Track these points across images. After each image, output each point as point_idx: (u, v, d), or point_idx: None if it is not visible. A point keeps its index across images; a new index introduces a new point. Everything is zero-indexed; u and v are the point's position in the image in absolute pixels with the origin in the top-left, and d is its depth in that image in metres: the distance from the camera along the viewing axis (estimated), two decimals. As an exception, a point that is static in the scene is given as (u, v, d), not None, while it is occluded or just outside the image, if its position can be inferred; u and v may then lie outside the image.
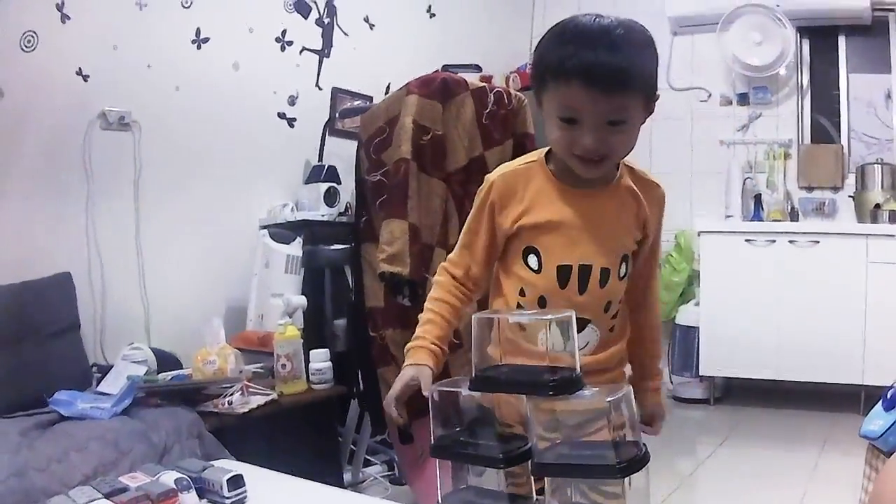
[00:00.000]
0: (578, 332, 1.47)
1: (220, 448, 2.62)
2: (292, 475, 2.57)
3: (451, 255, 1.71)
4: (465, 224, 1.71)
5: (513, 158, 1.82)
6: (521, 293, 1.62)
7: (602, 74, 1.39)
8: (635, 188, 1.62)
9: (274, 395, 2.96)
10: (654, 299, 1.76)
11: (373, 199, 3.07)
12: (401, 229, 2.80)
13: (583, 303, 1.58)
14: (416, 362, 1.55)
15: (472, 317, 1.28)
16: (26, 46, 3.12)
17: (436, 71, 3.31)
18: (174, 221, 3.71)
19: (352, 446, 3.72)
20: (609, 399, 0.85)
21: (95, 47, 3.37)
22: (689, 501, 3.67)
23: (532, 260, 1.61)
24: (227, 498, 1.24)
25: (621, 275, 1.62)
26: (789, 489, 3.49)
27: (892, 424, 2.39)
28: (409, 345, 1.60)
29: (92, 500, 1.16)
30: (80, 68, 3.32)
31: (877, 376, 4.40)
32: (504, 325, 1.41)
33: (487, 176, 1.68)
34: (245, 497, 1.28)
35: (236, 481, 1.26)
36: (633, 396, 1.21)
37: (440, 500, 1.07)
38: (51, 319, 3.01)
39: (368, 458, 3.85)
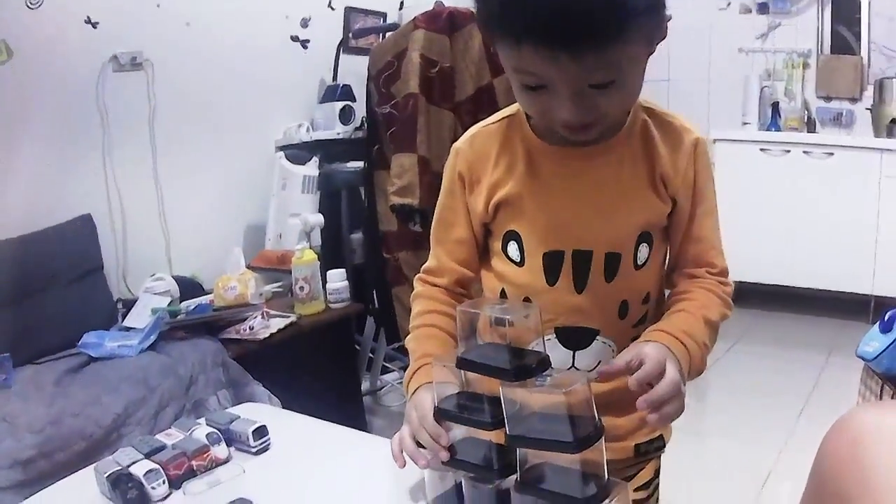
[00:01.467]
0: (582, 348, 1.19)
1: (244, 373, 2.77)
2: (313, 390, 2.72)
3: (425, 264, 1.32)
4: (435, 211, 1.31)
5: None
6: (502, 294, 1.23)
7: (563, 30, 0.93)
8: (654, 137, 1.18)
9: (293, 318, 3.07)
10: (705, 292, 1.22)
11: (384, 130, 3.14)
12: (410, 162, 2.89)
13: (583, 305, 1.18)
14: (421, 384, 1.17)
15: (457, 309, 1.04)
16: (31, 4, 3.14)
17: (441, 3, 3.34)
18: (191, 152, 3.78)
19: (370, 354, 3.87)
20: (565, 391, 0.93)
21: (102, -7, 3.41)
22: (698, 406, 3.78)
23: (513, 249, 1.21)
24: (253, 447, 1.35)
25: (640, 261, 1.18)
26: (793, 395, 3.63)
27: (887, 347, 2.49)
28: (406, 375, 1.22)
29: (135, 462, 1.24)
30: (88, 16, 3.34)
31: (886, 287, 4.54)
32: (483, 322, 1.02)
33: (454, 144, 1.28)
34: (269, 444, 1.37)
35: (261, 431, 1.36)
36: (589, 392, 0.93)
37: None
38: (75, 263, 3.11)
39: (386, 365, 4.00)
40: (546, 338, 1.10)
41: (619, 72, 1.00)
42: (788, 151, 4.83)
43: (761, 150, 4.91)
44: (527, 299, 1.18)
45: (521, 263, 1.20)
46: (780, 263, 4.93)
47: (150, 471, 1.23)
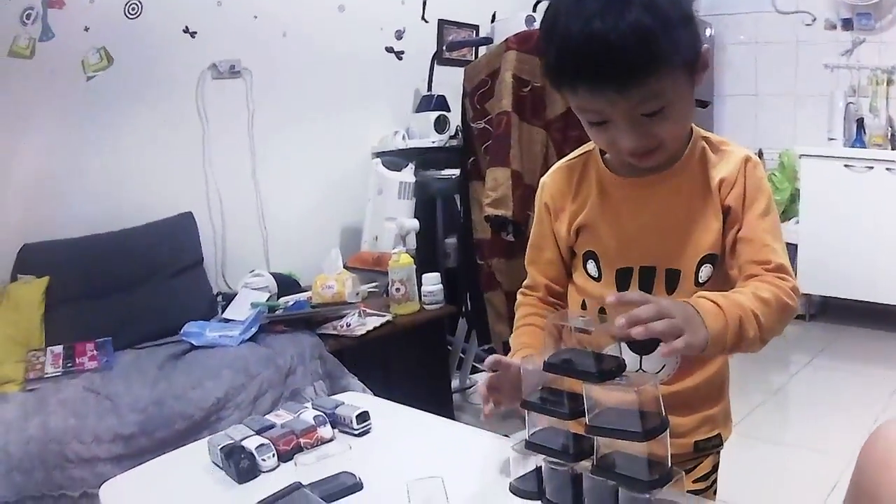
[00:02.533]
0: (647, 353, 1.31)
1: (340, 367, 2.93)
2: (404, 386, 2.83)
3: (525, 282, 1.51)
4: (530, 237, 1.50)
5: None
6: (583, 306, 1.39)
7: (606, 72, 1.13)
8: (710, 160, 1.32)
9: (389, 317, 3.23)
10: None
11: (479, 144, 3.30)
12: (504, 176, 3.04)
13: None
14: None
15: (546, 321, 1.22)
16: (130, 14, 3.34)
17: (533, 27, 3.47)
18: (289, 156, 3.96)
19: (461, 354, 4.02)
20: (636, 389, 1.09)
21: (199, 5, 3.59)
22: (775, 414, 3.89)
23: (591, 266, 1.37)
24: (356, 429, 1.46)
25: (702, 280, 1.30)
26: (867, 409, 3.65)
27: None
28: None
29: (246, 437, 1.36)
30: (186, 26, 3.55)
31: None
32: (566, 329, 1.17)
33: (542, 178, 1.47)
34: (370, 427, 1.49)
35: (363, 416, 1.47)
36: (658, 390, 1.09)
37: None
38: (176, 256, 3.30)
39: (476, 365, 4.10)
40: (620, 347, 1.25)
41: (664, 100, 1.17)
42: (871, 168, 4.83)
43: (845, 165, 4.92)
44: (602, 310, 1.29)
45: (598, 279, 1.37)
46: (863, 279, 4.91)
47: (261, 445, 1.36)
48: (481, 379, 1.27)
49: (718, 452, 1.46)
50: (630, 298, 1.10)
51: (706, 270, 1.31)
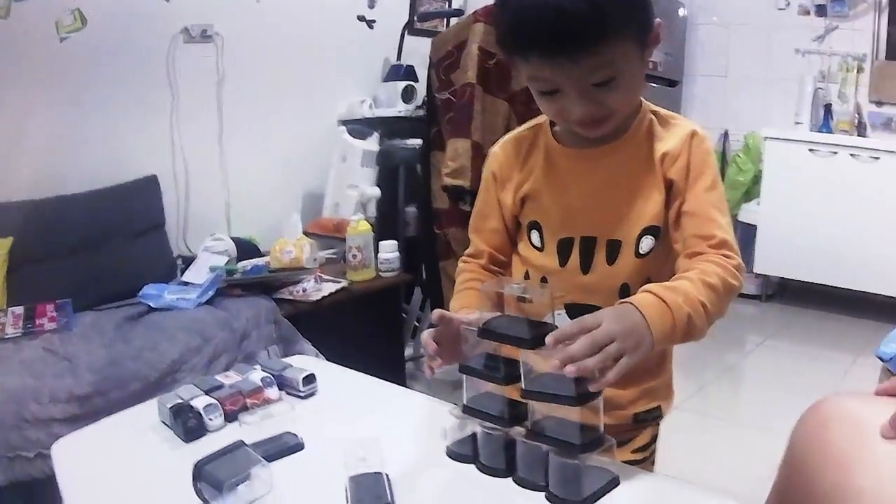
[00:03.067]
0: None
1: (294, 332, 2.94)
2: (358, 353, 2.84)
3: (467, 250, 1.51)
4: (474, 205, 1.51)
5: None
6: (527, 276, 1.41)
7: (559, 38, 1.13)
8: (656, 133, 1.33)
9: (344, 283, 3.24)
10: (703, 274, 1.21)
11: (442, 115, 3.30)
12: (464, 147, 3.06)
13: (589, 284, 1.33)
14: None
15: (481, 287, 1.23)
16: None
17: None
18: (255, 121, 3.94)
19: (415, 322, 4.04)
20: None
21: (175, -32, 3.54)
22: (727, 391, 3.96)
23: (535, 237, 1.39)
24: (302, 392, 1.47)
25: (642, 251, 1.31)
26: (818, 389, 3.67)
27: (905, 349, 2.59)
28: None
29: (195, 396, 1.37)
30: None
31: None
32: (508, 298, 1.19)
33: (491, 148, 1.49)
34: (316, 390, 1.50)
35: (309, 379, 1.49)
36: None
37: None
38: (138, 219, 3.29)
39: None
40: (557, 313, 1.29)
41: (615, 70, 1.17)
42: (836, 153, 4.88)
43: (810, 150, 4.97)
44: (544, 279, 1.36)
45: (541, 248, 1.38)
46: (821, 262, 4.97)
47: (209, 405, 1.37)
48: (425, 334, 1.26)
49: (658, 424, 1.48)
50: (566, 333, 1.07)
51: (647, 242, 1.31)
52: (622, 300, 1.16)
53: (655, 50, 1.28)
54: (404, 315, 3.88)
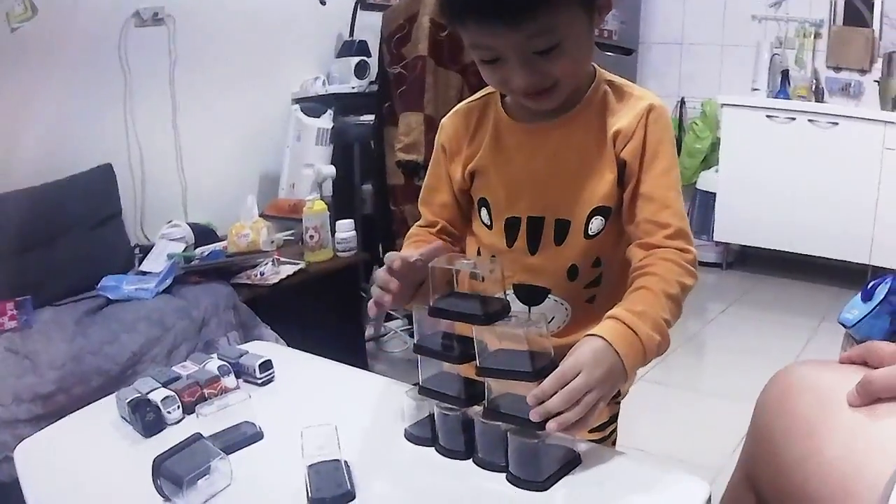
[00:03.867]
0: (536, 304, 1.31)
1: (253, 316, 2.91)
2: (318, 335, 2.82)
3: (417, 222, 1.44)
4: (424, 178, 1.45)
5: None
6: (479, 253, 1.37)
7: (497, 4, 1.06)
8: (609, 106, 1.26)
9: (302, 265, 3.20)
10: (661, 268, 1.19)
11: (394, 89, 3.26)
12: (417, 121, 3.03)
13: (536, 265, 1.30)
14: None
15: (430, 265, 1.16)
16: None
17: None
18: (209, 104, 3.87)
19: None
20: (523, 329, 1.08)
21: (125, -50, 3.46)
22: (690, 361, 3.94)
23: (484, 214, 1.34)
24: (259, 379, 1.46)
25: (591, 231, 1.26)
26: (782, 356, 3.70)
27: (866, 315, 2.61)
28: None
29: (153, 389, 1.34)
30: None
31: (883, 257, 4.62)
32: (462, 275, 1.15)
33: (442, 120, 1.42)
34: (273, 376, 1.48)
35: (266, 365, 1.47)
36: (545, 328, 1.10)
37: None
38: (94, 210, 3.21)
39: (390, 312, 4.06)
40: (506, 293, 1.22)
41: (558, 37, 1.10)
42: (794, 119, 4.89)
43: (767, 116, 4.97)
44: (493, 258, 1.26)
45: (490, 227, 1.33)
46: (781, 229, 5.00)
47: (166, 397, 1.34)
48: (380, 271, 1.21)
49: (618, 403, 1.45)
50: (545, 391, 1.04)
51: (597, 223, 1.26)
52: (592, 333, 1.10)
53: (611, 18, 1.23)
54: (363, 294, 3.80)
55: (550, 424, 1.02)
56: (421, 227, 1.42)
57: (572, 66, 1.17)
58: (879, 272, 3.95)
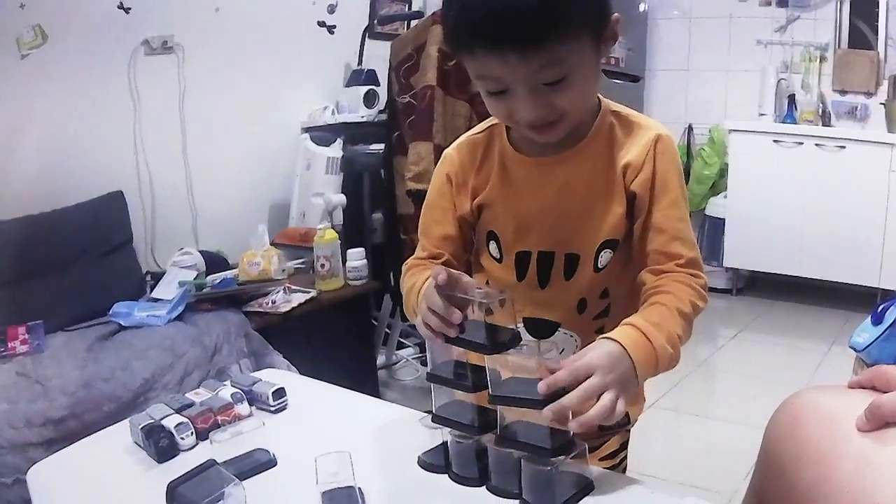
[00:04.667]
0: (545, 337, 1.30)
1: (265, 344, 2.90)
2: (330, 363, 2.83)
3: (414, 254, 1.40)
4: (423, 209, 1.41)
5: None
6: (487, 285, 1.32)
7: (506, 31, 1.05)
8: (617, 138, 1.26)
9: (313, 293, 3.19)
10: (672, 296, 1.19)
11: (403, 118, 3.28)
12: (426, 150, 3.03)
13: (546, 299, 1.30)
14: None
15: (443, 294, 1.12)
16: None
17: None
18: (219, 133, 3.89)
19: (386, 330, 3.99)
20: (535, 358, 1.09)
21: (134, -20, 3.50)
22: (700, 387, 3.92)
23: (493, 248, 1.33)
24: (272, 406, 1.47)
25: (600, 265, 1.26)
26: (793, 381, 3.69)
27: (876, 339, 2.60)
28: (411, 298, 1.29)
29: (167, 415, 1.35)
30: (120, 2, 3.44)
31: (893, 281, 4.61)
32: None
33: (445, 150, 1.40)
34: (286, 404, 1.49)
35: (279, 393, 1.48)
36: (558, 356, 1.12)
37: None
38: (106, 236, 3.22)
39: (401, 340, 4.14)
40: (516, 325, 1.21)
41: (567, 68, 1.09)
42: (801, 143, 4.90)
43: (774, 141, 4.99)
44: (503, 291, 1.19)
45: (500, 260, 1.32)
46: (790, 254, 5.00)
47: (180, 423, 1.35)
48: (433, 302, 1.13)
49: (628, 431, 1.45)
50: (557, 381, 1.04)
51: (606, 256, 1.26)
52: (608, 336, 1.11)
53: (618, 46, 1.25)
54: (375, 323, 3.84)
55: (572, 423, 1.03)
56: (420, 259, 1.37)
57: (579, 99, 1.17)
58: (889, 295, 3.92)
